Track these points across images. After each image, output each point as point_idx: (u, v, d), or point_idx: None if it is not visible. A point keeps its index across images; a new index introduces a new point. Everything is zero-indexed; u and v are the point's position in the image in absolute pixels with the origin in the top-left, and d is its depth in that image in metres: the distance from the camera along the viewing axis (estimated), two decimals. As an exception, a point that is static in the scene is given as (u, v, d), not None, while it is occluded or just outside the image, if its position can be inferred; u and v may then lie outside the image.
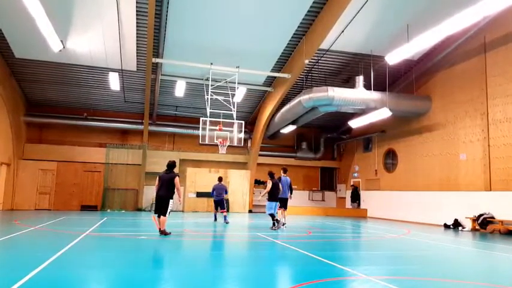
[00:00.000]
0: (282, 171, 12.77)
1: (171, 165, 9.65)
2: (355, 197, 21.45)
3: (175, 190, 9.45)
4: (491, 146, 13.40)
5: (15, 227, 10.62)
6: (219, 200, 13.68)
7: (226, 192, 13.96)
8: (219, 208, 13.85)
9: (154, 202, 9.66)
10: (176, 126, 20.48)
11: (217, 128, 14.28)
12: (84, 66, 16.06)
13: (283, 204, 12.38)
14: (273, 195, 11.72)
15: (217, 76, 15.45)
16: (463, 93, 14.59)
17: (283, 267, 6.54)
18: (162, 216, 9.37)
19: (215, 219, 14.28)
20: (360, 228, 14.07)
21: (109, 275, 5.41)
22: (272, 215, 11.76)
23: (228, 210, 20.11)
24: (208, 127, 13.87)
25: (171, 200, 9.37)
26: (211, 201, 19.99)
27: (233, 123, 14.91)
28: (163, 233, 9.39)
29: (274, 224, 11.77)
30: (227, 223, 13.20)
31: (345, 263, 6.66)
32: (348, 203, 22.22)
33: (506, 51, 12.95)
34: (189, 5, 12.64)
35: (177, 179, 9.45)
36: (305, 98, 15.18)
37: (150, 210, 18.50)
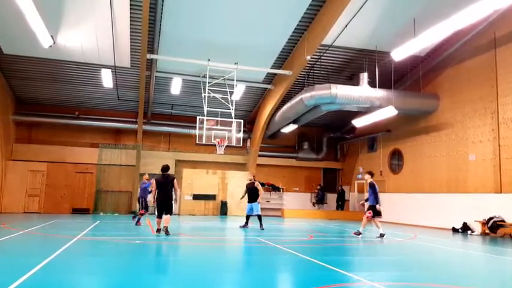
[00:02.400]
0: (369, 175, 11.33)
1: (167, 168, 10.43)
2: (321, 199, 21.58)
3: (174, 191, 10.31)
4: (502, 146, 13.17)
5: (3, 230, 10.43)
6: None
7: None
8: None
9: (155, 206, 10.25)
10: (172, 126, 20.13)
11: (211, 122, 14.00)
12: (76, 62, 15.78)
13: (377, 212, 11.14)
14: (248, 197, 12.81)
15: (215, 73, 15.23)
16: (472, 91, 14.36)
17: (284, 273, 6.45)
18: (168, 215, 10.19)
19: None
20: (364, 231, 13.70)
21: (102, 281, 5.34)
22: (247, 217, 12.84)
23: (226, 213, 19.69)
24: (205, 126, 13.78)
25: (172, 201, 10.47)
26: (208, 203, 19.71)
27: (231, 122, 14.72)
28: (166, 231, 10.06)
29: (246, 224, 12.70)
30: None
31: (348, 268, 6.66)
32: (351, 206, 21.81)
33: (517, 47, 12.71)
34: (186, -3, 12.39)
35: (175, 181, 10.42)
36: (307, 96, 14.98)
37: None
